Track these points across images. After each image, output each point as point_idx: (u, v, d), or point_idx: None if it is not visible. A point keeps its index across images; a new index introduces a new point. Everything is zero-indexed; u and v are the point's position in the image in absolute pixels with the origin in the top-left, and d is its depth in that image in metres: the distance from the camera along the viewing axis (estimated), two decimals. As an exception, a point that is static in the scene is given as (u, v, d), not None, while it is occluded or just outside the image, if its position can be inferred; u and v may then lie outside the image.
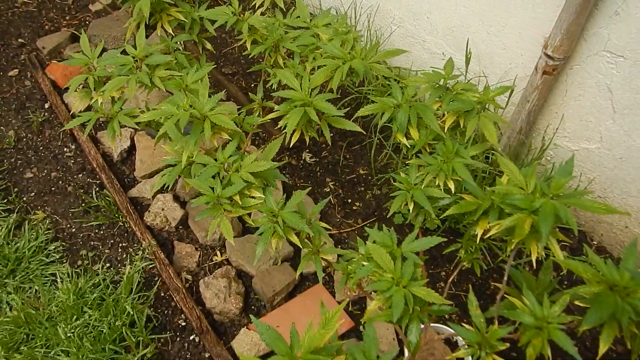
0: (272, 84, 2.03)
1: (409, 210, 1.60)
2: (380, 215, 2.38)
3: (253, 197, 1.53)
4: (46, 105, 2.85)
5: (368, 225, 2.36)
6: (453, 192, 1.56)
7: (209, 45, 2.21)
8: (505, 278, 1.44)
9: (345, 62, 1.72)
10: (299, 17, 2.08)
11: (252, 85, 2.91)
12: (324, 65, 1.73)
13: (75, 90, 1.94)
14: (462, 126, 1.60)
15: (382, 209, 2.40)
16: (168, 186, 2.49)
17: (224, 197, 1.50)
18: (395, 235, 1.35)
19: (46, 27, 3.28)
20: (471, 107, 1.57)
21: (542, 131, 2.25)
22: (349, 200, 2.45)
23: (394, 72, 2.79)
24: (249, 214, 1.67)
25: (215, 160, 1.60)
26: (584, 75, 1.99)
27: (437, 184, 1.56)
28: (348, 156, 2.61)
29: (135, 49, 1.87)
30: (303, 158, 2.61)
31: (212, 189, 1.52)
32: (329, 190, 2.48)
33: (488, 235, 1.39)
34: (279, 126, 1.70)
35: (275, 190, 2.30)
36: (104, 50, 3.08)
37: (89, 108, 2.33)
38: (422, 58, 2.67)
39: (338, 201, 2.44)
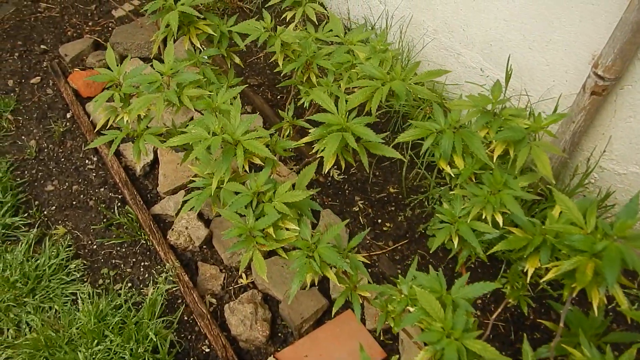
0: (303, 102, 1.94)
1: (452, 243, 1.50)
2: (412, 237, 2.28)
3: (287, 229, 1.44)
4: (68, 115, 2.79)
5: (399, 247, 2.25)
6: (501, 225, 1.45)
7: (237, 60, 2.13)
8: (562, 324, 1.33)
9: (384, 83, 1.62)
10: (331, 30, 1.99)
11: (279, 97, 2.81)
12: (362, 87, 1.63)
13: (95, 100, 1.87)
14: (511, 155, 1.49)
15: (414, 231, 2.30)
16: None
17: (257, 229, 1.41)
18: (444, 280, 1.25)
19: (69, 33, 3.23)
20: (522, 136, 1.46)
21: (587, 153, 2.12)
22: (379, 221, 2.35)
23: (426, 85, 2.69)
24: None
25: (243, 184, 1.52)
26: (635, 96, 1.87)
27: (483, 217, 1.45)
28: (378, 173, 2.51)
29: (162, 63, 1.80)
30: (331, 175, 2.52)
31: (241, 215, 1.44)
32: (357, 209, 2.38)
33: (544, 280, 1.28)
34: (313, 150, 1.61)
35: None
36: (126, 57, 3.01)
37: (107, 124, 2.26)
38: (456, 72, 2.55)
39: (367, 221, 2.35)
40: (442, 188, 2.24)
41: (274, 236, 1.41)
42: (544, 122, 1.47)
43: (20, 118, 2.81)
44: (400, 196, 2.41)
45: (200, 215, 2.33)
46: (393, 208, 2.38)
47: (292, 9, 2.14)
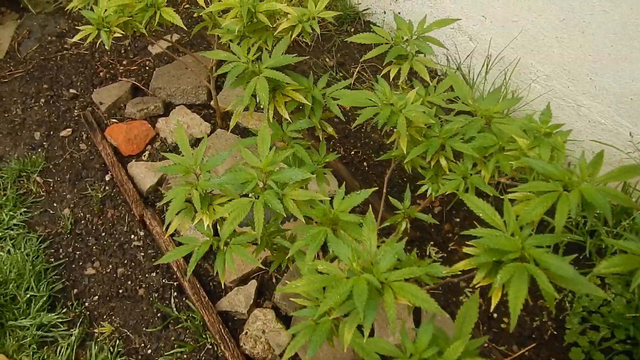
0: (428, 191, 1.52)
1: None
2: (541, 339, 1.86)
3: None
4: (107, 177, 2.38)
5: (527, 353, 1.83)
6: None
7: (330, 129, 1.70)
8: None
9: (566, 187, 1.20)
10: (457, 98, 1.56)
11: (378, 168, 2.35)
12: (537, 192, 1.21)
13: (164, 203, 1.45)
14: None
15: (543, 330, 1.88)
16: (265, 299, 2.01)
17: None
18: None
19: (101, 74, 2.81)
20: None
21: None
22: (495, 315, 1.93)
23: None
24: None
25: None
26: None
27: None
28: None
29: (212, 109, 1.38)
30: (427, 253, 2.10)
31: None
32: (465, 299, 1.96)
33: None
34: (474, 282, 1.20)
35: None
36: (170, 105, 2.60)
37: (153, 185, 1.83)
38: (575, 126, 2.12)
39: (481, 315, 1.92)
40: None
41: None
42: None
43: (51, 180, 2.40)
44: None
45: (277, 310, 1.92)
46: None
47: (396, 63, 1.72)
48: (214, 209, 1.43)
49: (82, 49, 2.95)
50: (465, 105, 1.56)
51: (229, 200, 1.45)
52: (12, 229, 2.20)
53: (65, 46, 2.98)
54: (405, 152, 1.44)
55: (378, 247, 1.18)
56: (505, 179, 1.49)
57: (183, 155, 1.44)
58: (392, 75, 1.71)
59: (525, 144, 1.33)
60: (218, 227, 1.43)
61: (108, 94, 2.61)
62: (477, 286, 1.20)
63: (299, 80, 1.65)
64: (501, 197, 1.29)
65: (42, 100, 2.72)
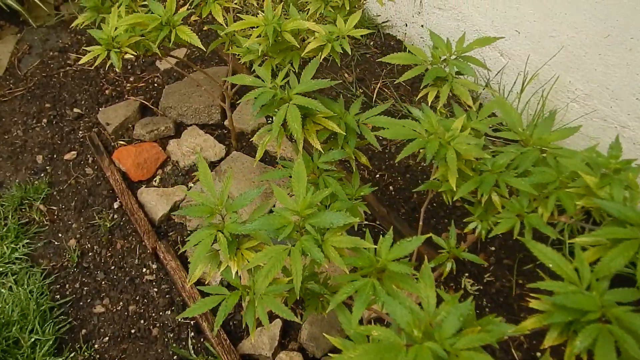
0: (477, 229, 1.38)
1: None
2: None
3: None
4: (115, 205, 2.22)
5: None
6: None
7: (364, 159, 1.56)
8: None
9: (649, 233, 1.05)
10: (503, 125, 1.42)
11: (405, 192, 2.21)
12: (612, 239, 1.06)
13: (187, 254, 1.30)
14: None
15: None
16: (290, 339, 1.86)
17: None
18: None
19: (106, 91, 2.67)
20: None
21: None
22: (532, 352, 1.78)
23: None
24: None
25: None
26: None
27: None
28: (522, 281, 1.94)
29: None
30: (462, 285, 1.95)
31: None
32: (506, 338, 1.81)
33: None
34: (545, 342, 1.05)
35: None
36: (181, 124, 2.45)
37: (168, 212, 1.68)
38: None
39: (518, 350, 1.78)
40: None
41: None
42: None
43: (55, 208, 2.25)
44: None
45: (303, 351, 1.77)
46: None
47: (433, 85, 1.58)
48: (242, 254, 1.28)
49: (86, 64, 2.80)
50: (514, 134, 1.41)
51: (259, 244, 1.31)
52: (15, 263, 2.05)
53: (68, 62, 2.84)
54: (454, 188, 1.29)
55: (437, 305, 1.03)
56: (564, 218, 1.34)
57: (205, 192, 1.29)
58: (430, 99, 1.56)
59: (593, 182, 1.18)
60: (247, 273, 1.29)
61: (115, 114, 2.46)
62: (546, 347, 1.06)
63: (330, 105, 1.51)
64: (561, 238, 1.15)
65: (45, 120, 2.57)
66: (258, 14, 1.61)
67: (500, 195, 1.33)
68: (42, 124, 2.56)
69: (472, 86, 1.56)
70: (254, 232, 1.25)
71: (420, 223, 1.66)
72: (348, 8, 1.95)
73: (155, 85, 2.68)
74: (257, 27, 1.54)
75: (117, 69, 1.69)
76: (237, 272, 1.26)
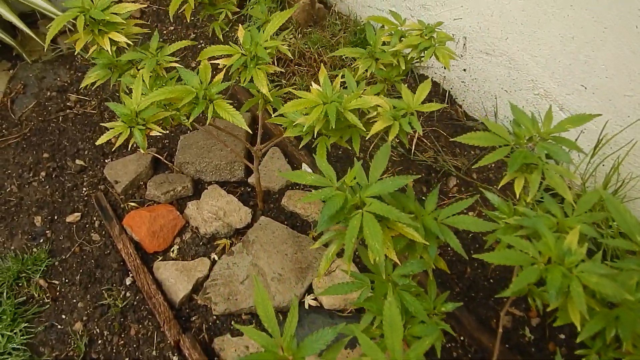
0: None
1: None
2: None
3: None
4: (127, 281, 1.95)
5: None
6: None
7: (442, 264, 1.31)
8: None
9: None
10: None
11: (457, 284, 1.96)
12: None
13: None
14: None
15: None
16: None
17: None
18: None
19: (113, 139, 2.38)
20: None
21: None
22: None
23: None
24: None
25: None
26: None
27: None
28: None
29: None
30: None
31: None
32: None
33: None
34: None
35: None
36: (199, 182, 2.18)
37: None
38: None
39: None
40: None
41: None
42: None
43: (57, 282, 1.97)
44: None
45: None
46: None
47: (520, 172, 1.33)
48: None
49: (89, 107, 2.52)
50: (632, 243, 1.17)
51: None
52: (11, 354, 1.77)
53: (68, 104, 2.55)
54: (578, 327, 1.04)
55: None
56: None
57: (267, 331, 1.03)
58: (517, 190, 1.32)
59: None
60: None
61: (124, 169, 2.18)
62: None
63: (403, 201, 1.25)
64: None
65: (43, 173, 2.28)
66: (310, 85, 1.35)
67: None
68: (40, 177, 2.27)
69: (568, 174, 1.32)
70: None
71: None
72: (404, 67, 1.71)
73: (170, 133, 2.40)
74: (316, 106, 1.28)
75: (141, 150, 1.43)
76: None
